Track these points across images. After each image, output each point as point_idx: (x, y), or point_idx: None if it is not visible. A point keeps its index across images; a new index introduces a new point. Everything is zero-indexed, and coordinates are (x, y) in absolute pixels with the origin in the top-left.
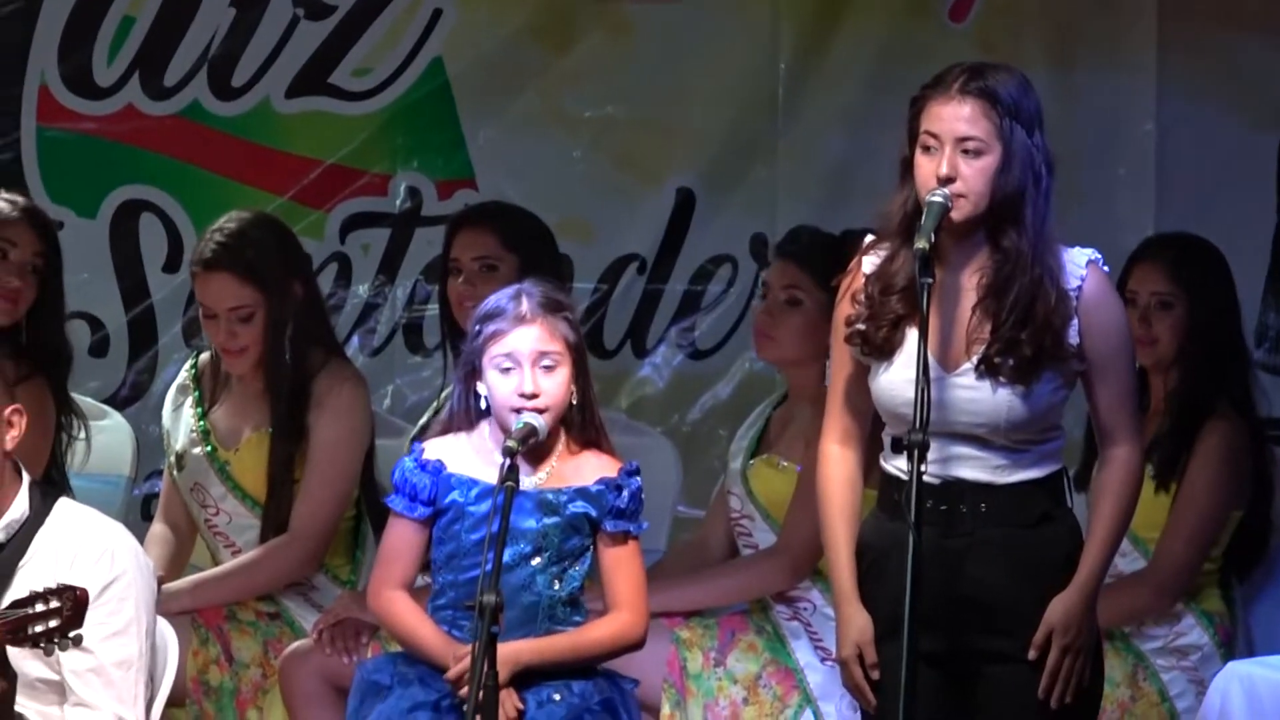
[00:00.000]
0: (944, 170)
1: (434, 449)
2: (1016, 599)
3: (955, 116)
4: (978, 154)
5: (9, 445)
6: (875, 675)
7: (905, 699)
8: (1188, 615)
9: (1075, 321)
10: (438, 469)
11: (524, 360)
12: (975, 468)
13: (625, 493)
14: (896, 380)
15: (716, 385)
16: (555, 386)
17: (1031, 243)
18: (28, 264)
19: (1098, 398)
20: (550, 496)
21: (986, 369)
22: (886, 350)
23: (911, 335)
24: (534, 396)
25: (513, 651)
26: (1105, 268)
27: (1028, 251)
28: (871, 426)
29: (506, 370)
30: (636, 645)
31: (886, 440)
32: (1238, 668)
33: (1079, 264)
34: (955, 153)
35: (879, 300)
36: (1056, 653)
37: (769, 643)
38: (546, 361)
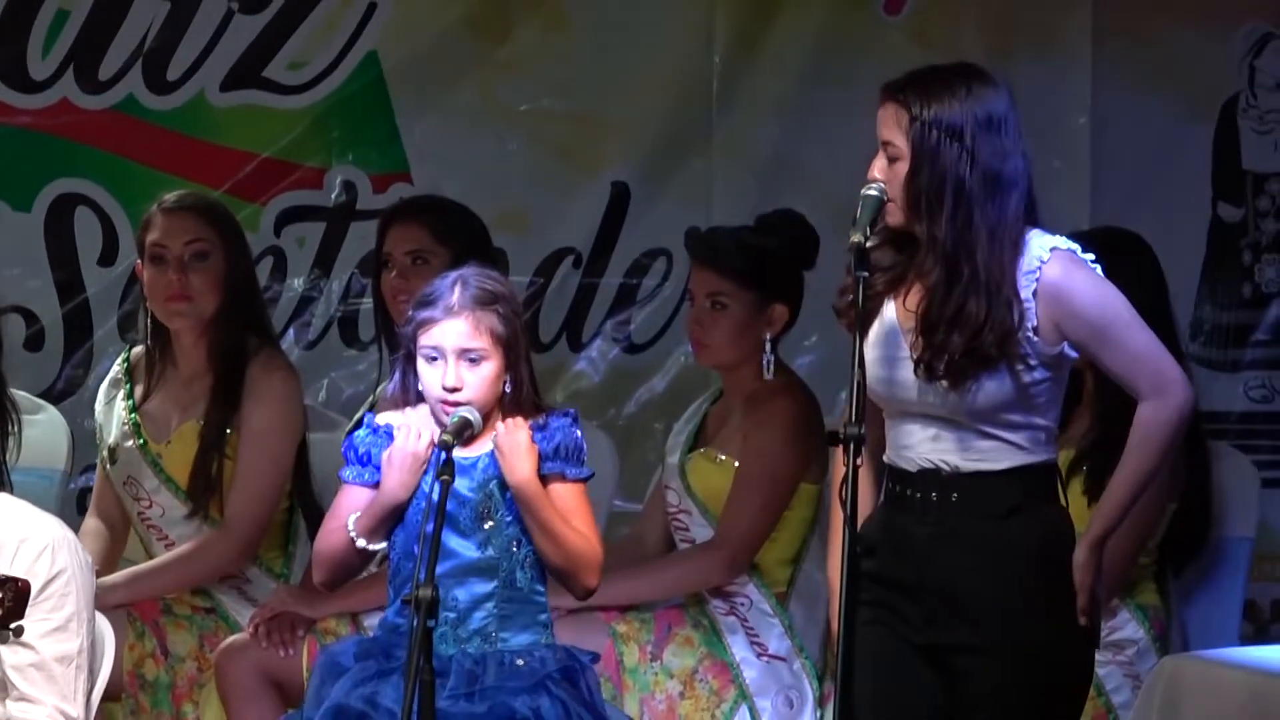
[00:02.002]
0: (872, 172)
1: (384, 419)
2: (981, 589)
3: (879, 120)
4: (894, 159)
5: None
6: None
7: (839, 690)
8: (1123, 610)
9: (1033, 313)
10: (389, 433)
11: (448, 354)
12: (950, 453)
13: (553, 432)
14: (869, 358)
15: (652, 379)
16: (479, 380)
17: (950, 247)
18: None
19: (1108, 369)
20: (488, 459)
21: (925, 368)
22: (860, 326)
23: (887, 311)
24: (455, 390)
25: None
26: (1074, 250)
27: (947, 254)
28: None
29: (433, 360)
30: (596, 563)
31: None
32: (1172, 662)
33: (1038, 254)
34: (883, 155)
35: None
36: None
37: (705, 637)
38: (471, 356)
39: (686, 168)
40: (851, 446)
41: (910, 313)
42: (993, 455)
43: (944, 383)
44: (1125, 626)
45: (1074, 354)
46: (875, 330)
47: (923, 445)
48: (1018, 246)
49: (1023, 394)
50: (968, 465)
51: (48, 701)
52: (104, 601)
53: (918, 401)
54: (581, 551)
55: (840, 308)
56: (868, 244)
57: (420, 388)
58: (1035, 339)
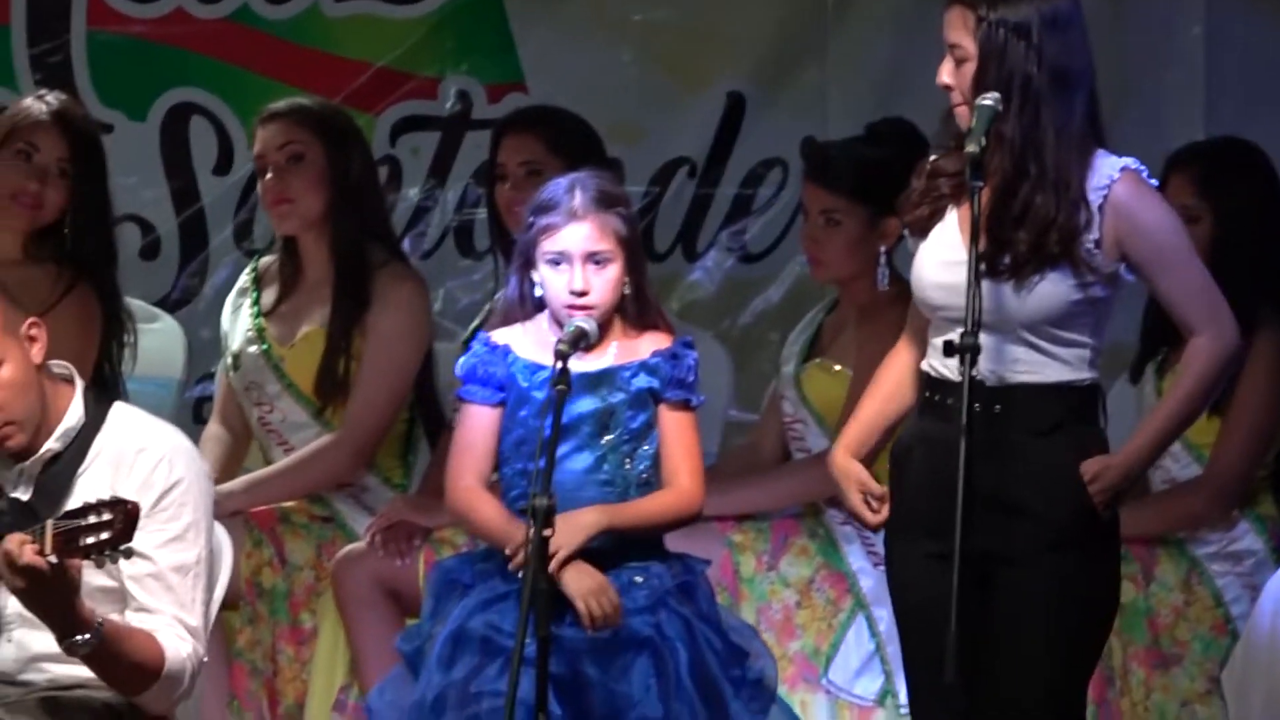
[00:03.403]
0: (940, 77)
1: (500, 335)
2: (1019, 503)
3: (945, 23)
4: (961, 61)
5: (38, 358)
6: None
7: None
8: (1242, 521)
9: (1097, 225)
10: (505, 352)
11: (575, 258)
12: (996, 364)
13: (681, 362)
14: (924, 260)
15: (768, 289)
16: (605, 284)
17: (1019, 145)
18: (51, 168)
19: (1161, 296)
20: (613, 375)
21: (987, 266)
22: (919, 228)
23: (949, 220)
24: (584, 294)
25: (579, 519)
26: (1144, 173)
27: (1015, 152)
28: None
29: (557, 265)
30: (694, 516)
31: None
32: None
33: (1109, 171)
34: (950, 59)
35: (929, 180)
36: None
37: (822, 547)
38: (597, 258)
39: (802, 78)
40: (968, 357)
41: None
42: (1038, 369)
43: (1004, 281)
44: (1244, 538)
45: (1130, 276)
46: (935, 234)
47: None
48: (1085, 148)
49: (1075, 308)
50: (1013, 377)
51: (166, 611)
52: (221, 508)
53: (965, 305)
54: (675, 515)
55: (910, 221)
56: (977, 151)
57: (540, 295)
58: (1096, 251)
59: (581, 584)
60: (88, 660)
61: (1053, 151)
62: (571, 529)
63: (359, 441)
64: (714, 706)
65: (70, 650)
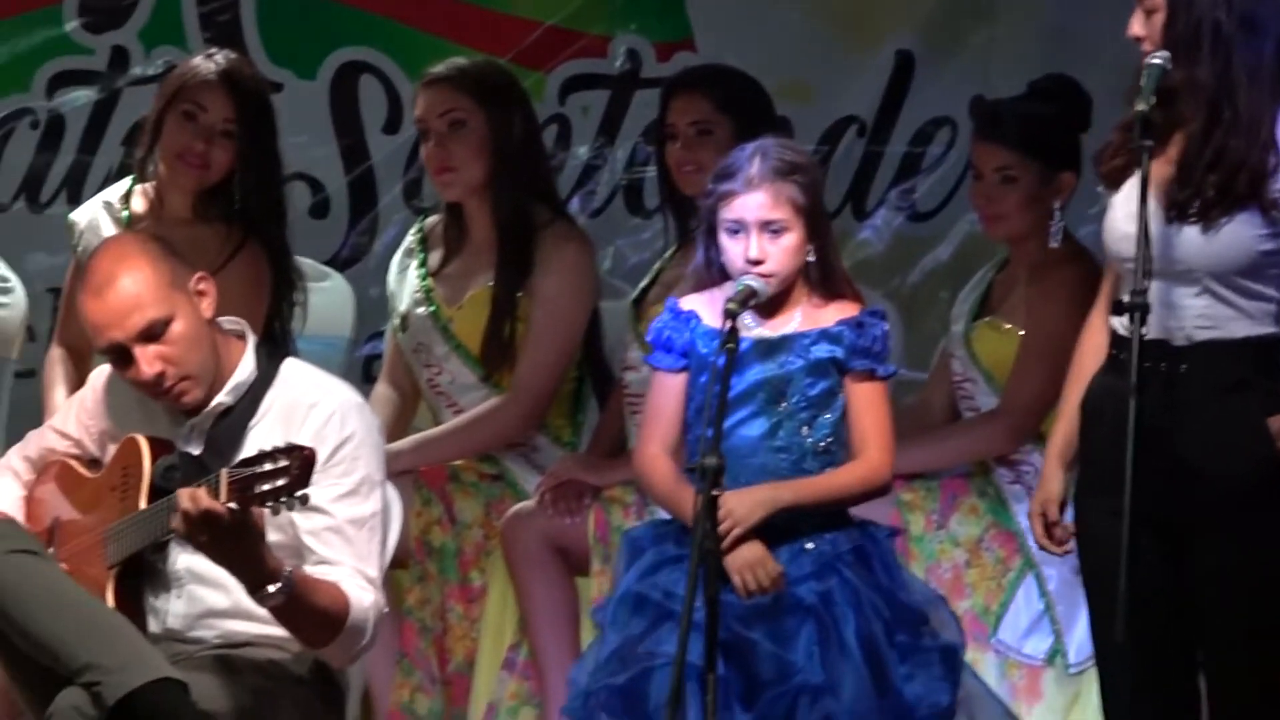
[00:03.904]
0: (1131, 29)
1: (688, 301)
2: (1207, 464)
3: None
4: (1151, 12)
5: (208, 313)
6: (1058, 534)
7: (1126, 561)
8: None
9: None
10: (689, 318)
11: (750, 226)
12: (1184, 320)
13: (868, 331)
14: (1116, 212)
15: (937, 247)
16: (781, 252)
17: (1211, 90)
18: (218, 128)
19: None
20: (792, 341)
21: (1177, 212)
22: (1114, 180)
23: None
24: (759, 263)
25: (757, 495)
26: None
27: (1209, 97)
28: None
29: (735, 233)
30: (884, 489)
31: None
32: None
33: None
34: (1140, 10)
35: (1124, 133)
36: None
37: (991, 506)
38: (773, 227)
39: (970, 36)
40: (1137, 316)
41: (1165, 166)
42: (1225, 323)
43: (1192, 225)
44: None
45: None
46: (1128, 187)
47: (1157, 311)
48: (1276, 93)
49: (1262, 258)
50: (1200, 334)
51: (346, 563)
52: (391, 467)
53: (1160, 258)
54: (862, 487)
55: (1106, 172)
56: (1145, 110)
57: (723, 262)
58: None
59: (739, 556)
60: (277, 611)
61: (1245, 95)
62: (748, 505)
63: (529, 403)
64: (878, 674)
65: (261, 601)
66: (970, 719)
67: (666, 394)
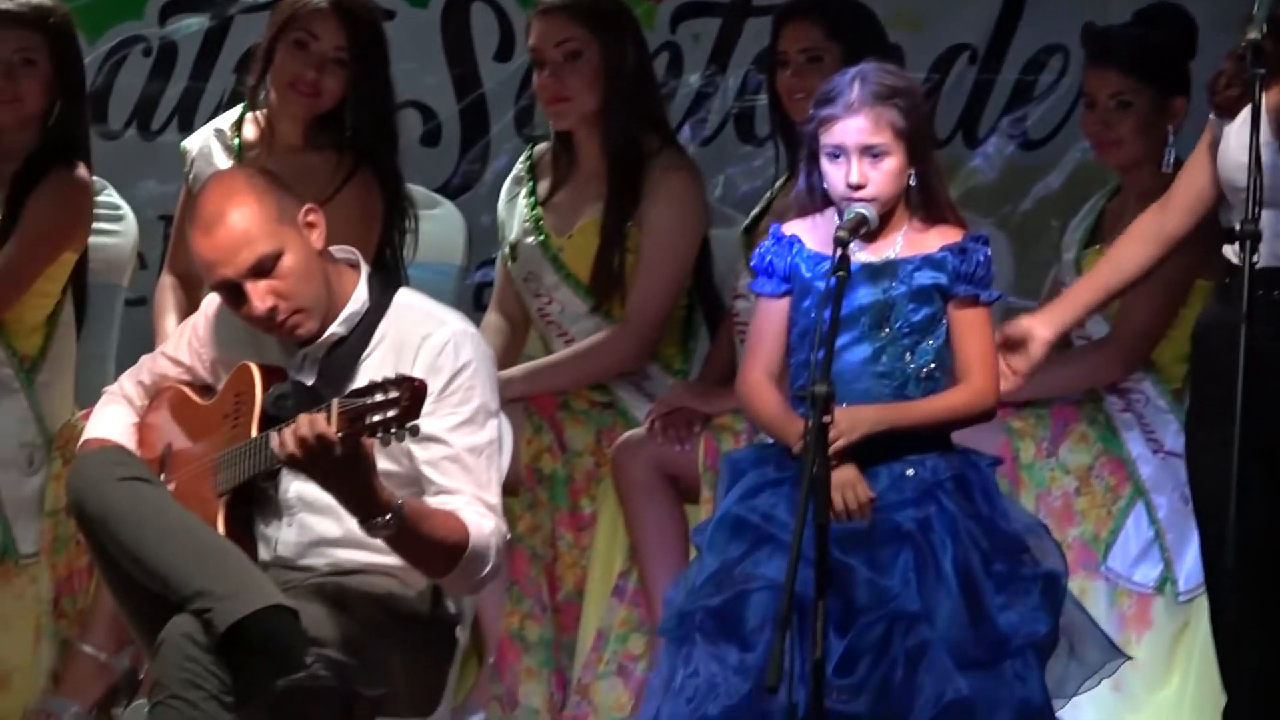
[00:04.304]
0: None
1: (790, 226)
2: None
3: None
4: None
5: (318, 244)
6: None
7: (1236, 491)
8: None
9: None
10: (792, 243)
11: (850, 151)
12: None
13: (971, 256)
14: (1230, 141)
15: (1048, 175)
16: (882, 177)
17: None
18: (329, 56)
19: None
20: (895, 267)
21: None
22: (1227, 109)
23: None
24: (860, 187)
25: (863, 414)
26: None
27: None
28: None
29: (835, 158)
30: (987, 414)
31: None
32: None
33: None
34: None
35: (1239, 62)
36: None
37: (1101, 433)
38: (874, 151)
39: None
40: (1248, 244)
41: (1279, 95)
42: None
43: None
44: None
45: None
46: (1243, 116)
47: (1269, 240)
48: None
49: None
50: None
51: (466, 491)
52: (502, 395)
53: (1272, 187)
54: (966, 412)
55: (1220, 101)
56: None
57: (825, 187)
58: None
59: (834, 475)
60: (391, 542)
61: None
62: (852, 421)
63: (640, 332)
64: (974, 603)
65: (372, 532)
66: (1071, 647)
67: (769, 319)
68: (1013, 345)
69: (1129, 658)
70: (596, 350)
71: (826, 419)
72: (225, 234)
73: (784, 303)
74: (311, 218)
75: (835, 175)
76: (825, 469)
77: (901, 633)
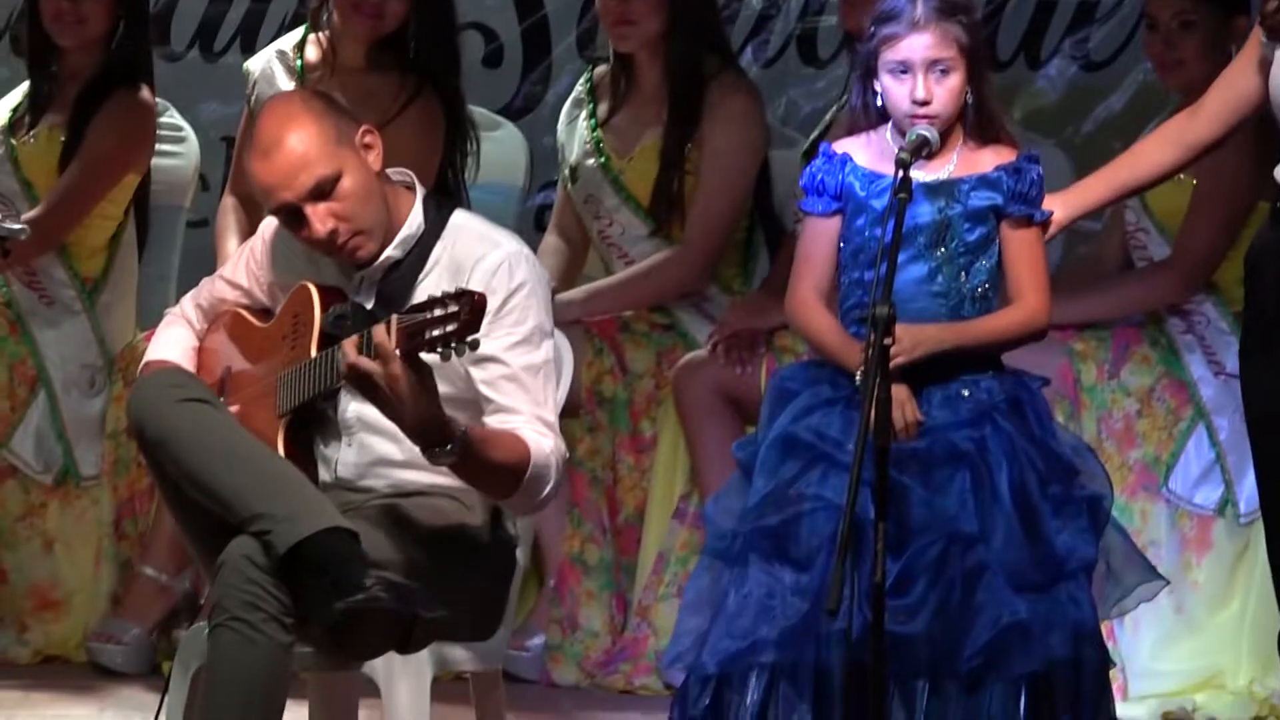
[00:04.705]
0: None
1: (841, 144)
2: None
3: None
4: None
5: (376, 166)
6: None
7: None
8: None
9: None
10: (844, 161)
11: (916, 67)
12: None
13: (1025, 176)
14: (1277, 69)
15: (1110, 97)
16: (946, 93)
17: None
18: None
19: None
20: (951, 186)
21: None
22: (1278, 32)
23: None
24: (926, 103)
25: (927, 332)
26: None
27: None
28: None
29: (900, 75)
30: (1041, 333)
31: None
32: None
33: None
34: None
35: None
36: None
37: (1163, 355)
38: (941, 67)
39: None
40: None
41: None
42: None
43: None
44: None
45: None
46: None
47: None
48: None
49: None
50: None
51: (524, 410)
52: (561, 316)
53: None
54: (1021, 331)
55: (1272, 24)
56: None
57: (882, 104)
58: None
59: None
60: (454, 468)
61: None
62: (915, 339)
63: (701, 254)
64: (1030, 525)
65: (435, 460)
66: (1109, 569)
67: (819, 237)
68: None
69: (1166, 581)
70: (656, 271)
71: (888, 340)
72: (283, 158)
73: (835, 221)
74: (369, 139)
75: (899, 92)
76: (887, 390)
77: (959, 554)
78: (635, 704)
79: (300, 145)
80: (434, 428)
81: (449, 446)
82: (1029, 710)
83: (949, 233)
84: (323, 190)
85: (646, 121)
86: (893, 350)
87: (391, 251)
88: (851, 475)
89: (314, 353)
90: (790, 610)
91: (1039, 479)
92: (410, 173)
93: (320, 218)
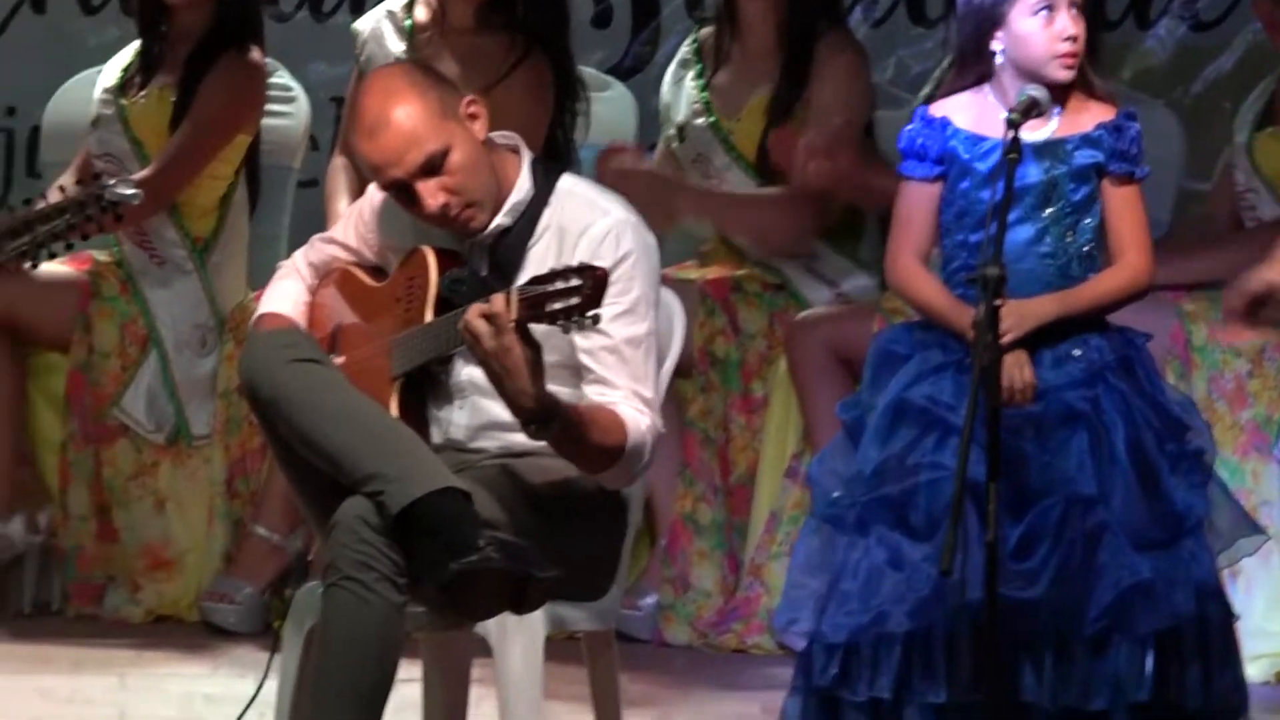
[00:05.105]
0: None
1: (939, 108)
2: None
3: None
4: None
5: (481, 135)
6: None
7: None
8: None
9: None
10: (944, 125)
11: (1060, 4)
12: None
13: (1125, 134)
14: None
15: (1220, 57)
16: (1081, 36)
17: None
18: None
19: None
20: (1055, 146)
21: None
22: None
23: None
24: (1074, 39)
25: (1027, 306)
26: None
27: None
28: None
29: (1046, 10)
30: (1145, 292)
31: None
32: None
33: None
34: None
35: None
36: None
37: None
38: (1077, 5)
39: None
40: None
41: None
42: None
43: None
44: None
45: None
46: None
47: None
48: None
49: None
50: None
51: (622, 384)
52: (673, 204)
53: None
54: (1127, 291)
55: None
56: None
57: (1003, 57)
58: None
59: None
60: (551, 443)
61: None
62: (1021, 316)
63: (804, 203)
64: (1149, 483)
65: (532, 435)
66: (1211, 522)
67: (919, 202)
68: (1258, 301)
69: (1268, 536)
70: (763, 203)
71: (998, 302)
72: (391, 136)
73: (936, 187)
74: (473, 109)
75: (1042, 34)
76: (998, 352)
77: (1079, 516)
78: (747, 663)
79: (408, 122)
80: (535, 404)
81: (548, 424)
82: (1156, 668)
83: (1055, 193)
84: (432, 166)
85: (755, 80)
86: (1002, 329)
87: (501, 219)
88: (963, 437)
89: (429, 316)
90: (919, 579)
91: (1155, 436)
92: (516, 136)
93: (431, 193)
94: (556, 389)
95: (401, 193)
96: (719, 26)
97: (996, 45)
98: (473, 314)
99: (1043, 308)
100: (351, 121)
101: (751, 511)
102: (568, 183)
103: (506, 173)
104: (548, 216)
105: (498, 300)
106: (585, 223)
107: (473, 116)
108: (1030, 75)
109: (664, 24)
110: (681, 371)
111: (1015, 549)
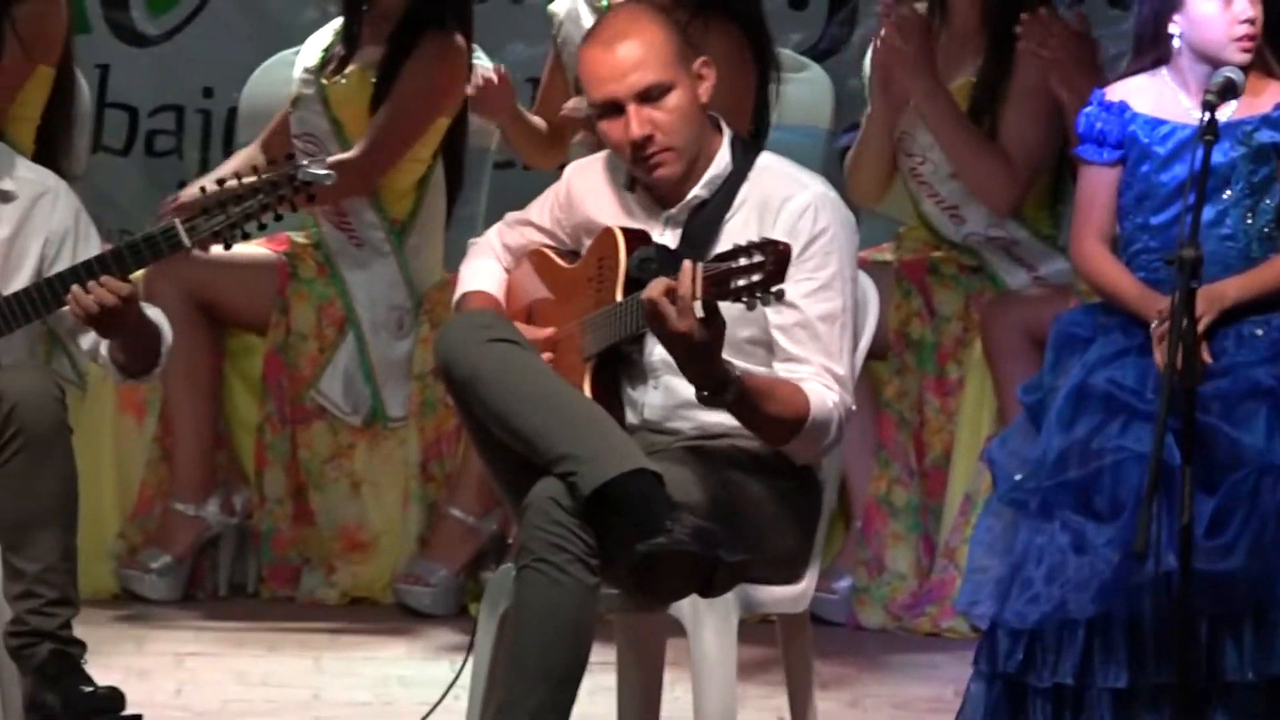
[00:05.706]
0: None
1: (1116, 92)
2: None
3: None
4: None
5: (704, 97)
6: None
7: None
8: None
9: None
10: (1122, 109)
11: None
12: None
13: None
14: None
15: None
16: (1261, 14)
17: None
18: None
19: None
20: (1236, 128)
21: None
22: None
23: None
24: (1252, 21)
25: (1217, 290)
26: None
27: None
28: None
29: None
30: None
31: None
32: None
33: None
34: None
35: None
36: None
37: None
38: None
39: None
40: None
41: None
42: None
43: None
44: None
45: None
46: None
47: None
48: None
49: None
50: None
51: (814, 360)
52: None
53: None
54: None
55: None
56: None
57: (1179, 41)
58: None
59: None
60: (729, 412)
61: None
62: (1209, 301)
63: (1017, 181)
64: None
65: (707, 403)
66: None
67: (1100, 186)
68: None
69: None
70: (981, 141)
71: (1194, 284)
72: (624, 51)
73: (1116, 170)
74: (704, 70)
75: (1219, 17)
76: (1193, 334)
77: (1270, 487)
78: (942, 647)
79: (643, 45)
80: (713, 372)
81: (722, 392)
82: None
83: (1234, 174)
84: (651, 94)
85: (960, 59)
86: (1197, 312)
87: (699, 191)
88: (1159, 419)
89: (619, 296)
90: (1102, 563)
91: None
92: (717, 115)
93: (640, 120)
94: (745, 365)
95: (609, 110)
96: (929, 9)
97: (1174, 28)
98: (655, 290)
99: (1229, 291)
100: (591, 31)
101: (946, 494)
102: (766, 159)
103: (709, 144)
104: (746, 190)
105: (683, 279)
106: (784, 195)
107: (701, 76)
108: (1208, 58)
109: (861, 4)
110: (876, 353)
111: (1210, 524)
